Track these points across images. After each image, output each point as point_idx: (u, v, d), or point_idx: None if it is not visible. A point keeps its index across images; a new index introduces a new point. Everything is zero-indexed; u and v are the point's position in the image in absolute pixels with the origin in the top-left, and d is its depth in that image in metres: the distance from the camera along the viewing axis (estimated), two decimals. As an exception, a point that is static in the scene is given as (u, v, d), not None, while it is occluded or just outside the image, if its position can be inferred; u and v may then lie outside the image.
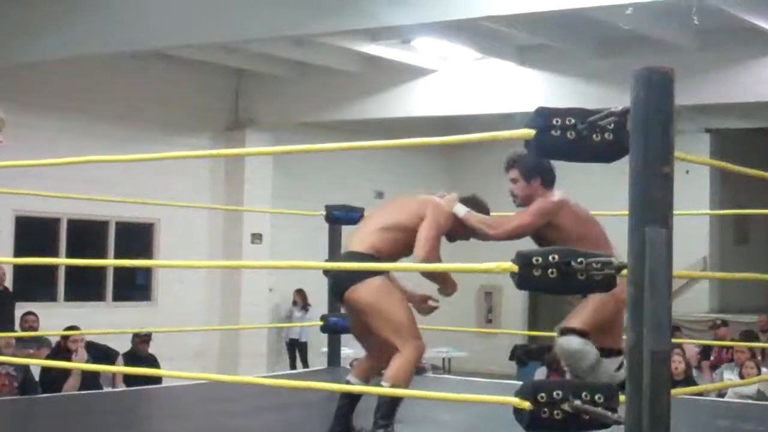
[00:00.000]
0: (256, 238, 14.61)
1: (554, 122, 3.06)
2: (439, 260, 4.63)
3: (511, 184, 4.89)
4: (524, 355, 5.56)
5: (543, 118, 3.08)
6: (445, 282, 4.78)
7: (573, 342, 4.67)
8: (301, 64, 13.71)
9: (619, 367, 4.64)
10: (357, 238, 4.71)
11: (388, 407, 4.51)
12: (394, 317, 4.52)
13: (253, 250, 14.35)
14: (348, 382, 4.79)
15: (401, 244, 4.66)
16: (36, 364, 8.50)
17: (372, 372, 4.83)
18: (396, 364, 4.48)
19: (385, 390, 4.41)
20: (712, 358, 11.47)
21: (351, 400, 4.67)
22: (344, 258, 4.66)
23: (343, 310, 6.23)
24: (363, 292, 4.51)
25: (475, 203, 4.92)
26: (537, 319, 17.69)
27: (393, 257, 4.65)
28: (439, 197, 4.89)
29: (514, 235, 4.79)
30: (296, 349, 15.13)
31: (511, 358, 5.64)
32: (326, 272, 6.07)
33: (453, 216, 4.77)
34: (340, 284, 4.60)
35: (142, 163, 12.51)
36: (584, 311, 4.67)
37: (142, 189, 11.83)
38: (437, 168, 18.45)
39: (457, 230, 4.84)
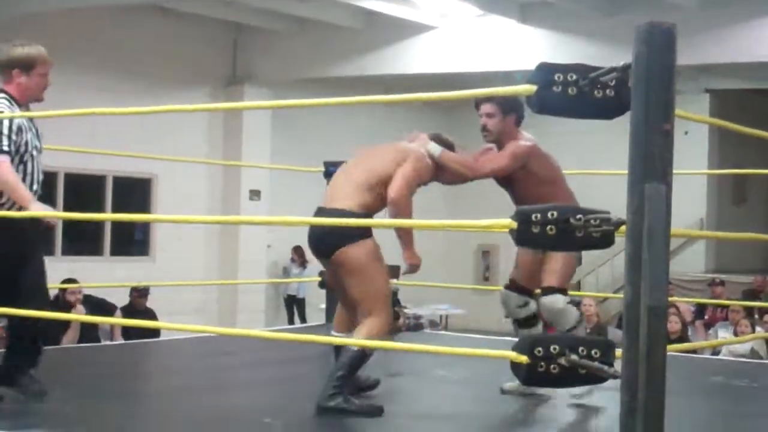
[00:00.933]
0: (255, 194, 14.63)
1: (556, 78, 3.05)
2: (409, 210, 4.49)
3: (484, 118, 4.88)
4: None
5: (544, 73, 3.08)
6: (406, 240, 4.57)
7: (559, 301, 4.86)
8: (300, 19, 13.65)
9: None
10: (341, 193, 4.54)
11: (350, 369, 4.38)
12: (378, 284, 4.46)
13: (252, 206, 14.37)
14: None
15: (385, 200, 4.52)
16: (34, 315, 8.52)
17: (352, 325, 4.70)
18: (370, 328, 4.39)
19: (381, 344, 4.42)
20: (706, 317, 11.54)
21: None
22: (332, 215, 4.45)
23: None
24: (355, 253, 4.41)
25: (441, 142, 4.85)
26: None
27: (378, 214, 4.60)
28: (410, 139, 4.87)
29: (491, 175, 4.88)
30: (294, 305, 15.21)
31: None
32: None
33: (430, 162, 4.71)
34: (330, 243, 4.45)
35: (140, 118, 12.47)
36: (558, 268, 4.86)
37: (140, 144, 11.82)
38: (437, 127, 18.23)
39: (435, 174, 4.77)
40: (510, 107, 4.81)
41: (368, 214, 4.49)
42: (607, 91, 3.04)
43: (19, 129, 4.40)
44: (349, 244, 4.40)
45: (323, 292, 7.71)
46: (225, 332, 4.44)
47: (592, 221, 3.04)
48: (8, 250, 4.37)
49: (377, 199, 4.50)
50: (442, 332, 11.01)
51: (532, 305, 5.07)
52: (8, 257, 4.38)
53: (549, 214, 3.10)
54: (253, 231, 14.38)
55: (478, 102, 4.89)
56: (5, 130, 4.34)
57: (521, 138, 4.88)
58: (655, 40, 2.83)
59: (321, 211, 4.58)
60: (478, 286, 16.72)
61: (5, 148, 4.28)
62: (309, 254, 15.91)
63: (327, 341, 4.30)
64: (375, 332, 4.36)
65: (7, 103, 4.45)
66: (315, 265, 12.90)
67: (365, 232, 4.42)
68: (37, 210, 4.36)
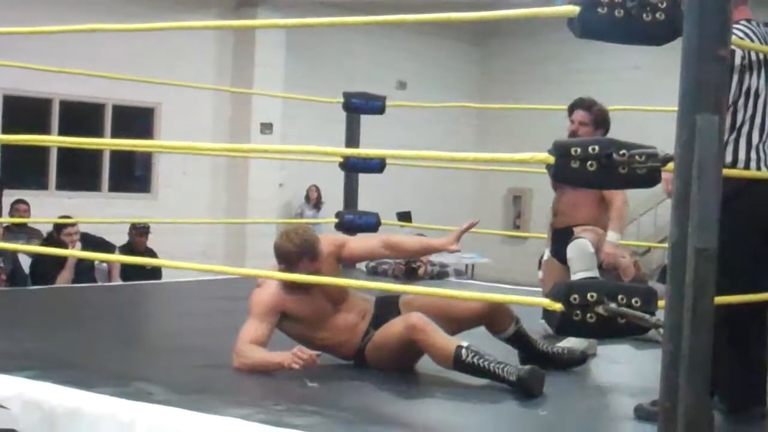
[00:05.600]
0: (266, 127, 14.59)
1: (601, -2, 3.04)
2: None
3: (576, 125, 5.39)
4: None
5: (588, -7, 3.06)
6: None
7: (589, 246, 5.13)
8: (319, -67, 13.52)
9: None
10: None
11: None
12: None
13: (263, 140, 14.33)
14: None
15: None
16: (28, 251, 8.60)
17: None
18: None
19: (412, 288, 4.45)
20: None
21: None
22: None
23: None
24: None
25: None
26: (570, 226, 17.69)
27: None
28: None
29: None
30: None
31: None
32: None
33: None
34: None
35: (144, 43, 12.44)
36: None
37: (142, 70, 11.78)
38: (467, 58, 18.32)
39: None
40: (602, 122, 5.39)
41: None
42: (658, 14, 3.02)
43: None
44: None
45: (340, 235, 7.71)
46: (233, 272, 4.45)
47: (637, 157, 3.03)
48: None
49: None
50: (469, 281, 11.04)
51: None
52: None
53: (590, 149, 3.09)
54: (264, 168, 14.37)
55: (572, 106, 5.46)
56: None
57: None
58: (712, -43, 2.81)
59: None
60: (508, 233, 16.69)
61: None
62: (325, 195, 15.77)
63: (343, 283, 4.32)
64: None
65: None
66: (330, 206, 12.95)
67: None
68: None
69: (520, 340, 4.67)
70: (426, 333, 4.24)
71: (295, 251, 4.45)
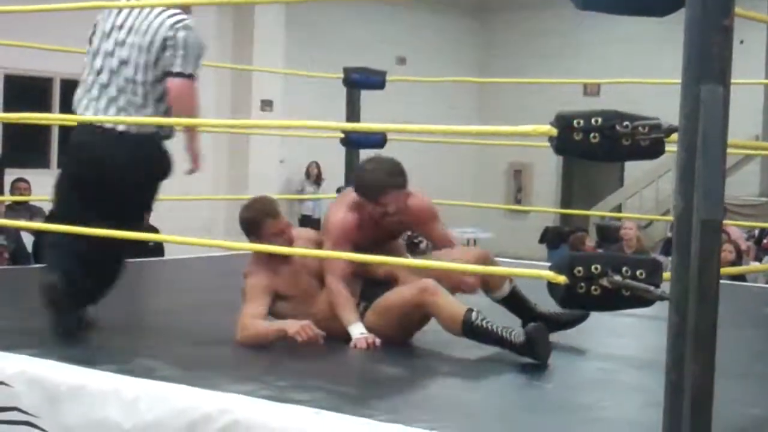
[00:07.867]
0: (266, 105, 14.57)
1: (601, -31, 3.00)
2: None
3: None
4: (556, 238, 5.64)
5: (587, -36, 3.02)
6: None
7: None
8: None
9: None
10: None
11: None
12: None
13: (263, 117, 14.31)
14: None
15: None
16: (31, 228, 8.58)
17: None
18: None
19: (408, 261, 4.44)
20: (765, 241, 11.51)
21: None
22: None
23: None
24: None
25: None
26: (571, 198, 17.70)
27: None
28: None
29: None
30: (309, 226, 15.23)
31: (542, 240, 5.71)
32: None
33: None
34: None
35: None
36: None
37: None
38: (468, 32, 18.25)
39: None
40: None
41: None
42: (660, -17, 2.99)
43: None
44: None
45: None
46: (236, 246, 4.45)
47: (640, 128, 3.00)
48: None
49: None
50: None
51: None
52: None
53: (593, 120, 3.06)
54: (265, 145, 14.35)
55: None
56: None
57: None
58: (716, -77, 2.76)
59: None
60: (510, 207, 16.68)
61: None
62: (326, 171, 15.79)
63: (348, 257, 4.30)
64: None
65: None
66: (331, 182, 12.93)
67: None
68: None
69: (515, 301, 4.69)
70: (437, 296, 4.26)
71: (257, 214, 4.56)
